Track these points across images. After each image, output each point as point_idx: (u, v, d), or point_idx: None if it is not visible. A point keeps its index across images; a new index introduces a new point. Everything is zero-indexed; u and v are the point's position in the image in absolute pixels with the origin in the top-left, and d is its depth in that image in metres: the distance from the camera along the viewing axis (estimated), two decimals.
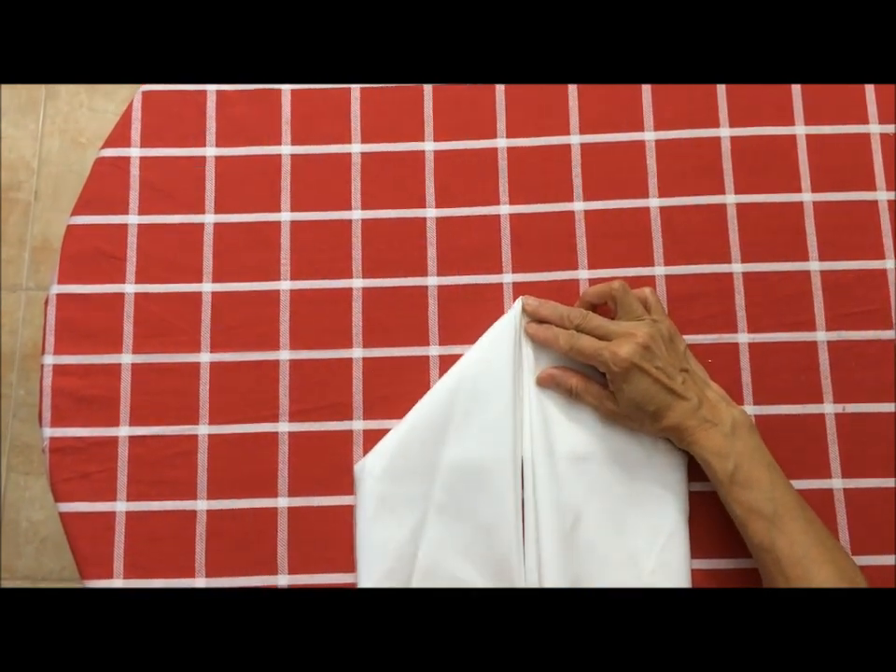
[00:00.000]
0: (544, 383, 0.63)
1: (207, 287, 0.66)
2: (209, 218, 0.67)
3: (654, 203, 0.68)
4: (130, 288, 0.66)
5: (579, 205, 0.68)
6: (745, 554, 0.60)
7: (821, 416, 0.64)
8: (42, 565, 1.29)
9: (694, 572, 0.61)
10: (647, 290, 0.63)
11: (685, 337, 0.64)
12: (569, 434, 0.63)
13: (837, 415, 0.64)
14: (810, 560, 0.54)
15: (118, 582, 0.62)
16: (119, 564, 0.62)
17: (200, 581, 0.62)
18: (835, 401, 0.64)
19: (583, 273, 0.67)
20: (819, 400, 0.64)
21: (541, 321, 0.64)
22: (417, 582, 0.61)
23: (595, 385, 0.62)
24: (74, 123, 1.43)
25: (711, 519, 0.62)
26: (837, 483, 0.63)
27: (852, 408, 0.64)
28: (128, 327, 0.66)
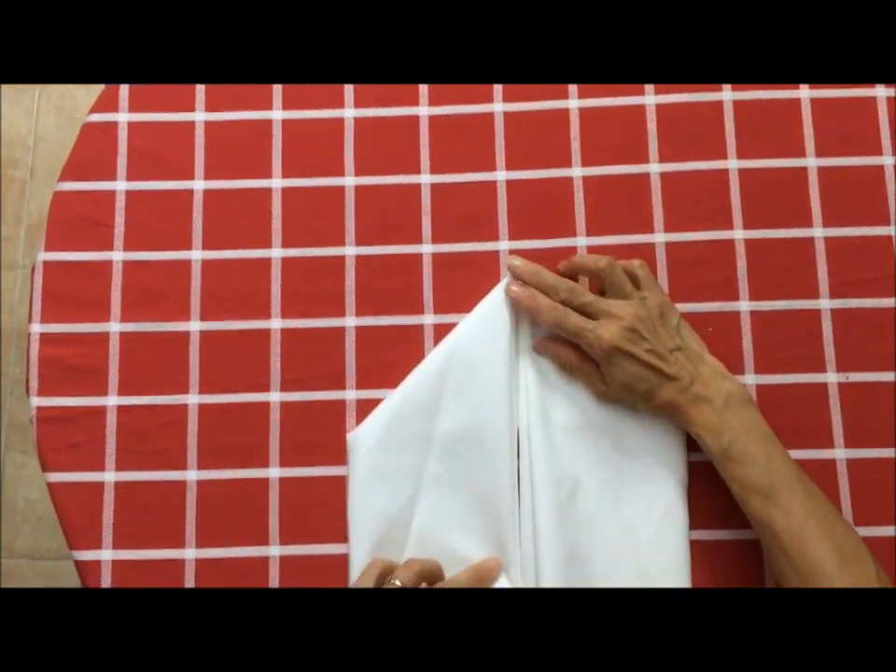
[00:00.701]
0: (540, 349, 0.62)
1: (197, 254, 0.65)
2: (199, 185, 0.66)
3: (655, 168, 0.66)
4: (118, 256, 0.65)
5: (577, 171, 0.66)
6: (744, 525, 0.59)
7: (824, 385, 0.63)
8: (40, 543, 1.29)
9: (693, 543, 0.60)
10: (636, 263, 0.61)
11: (685, 305, 0.63)
12: (567, 404, 0.62)
13: (840, 384, 0.62)
14: (807, 533, 0.53)
15: (106, 553, 0.61)
16: (108, 534, 0.61)
17: (190, 552, 0.61)
18: (838, 370, 0.63)
19: (581, 241, 0.65)
20: (822, 370, 0.63)
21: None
22: (410, 553, 0.60)
23: (588, 363, 0.60)
24: (69, 100, 1.41)
25: (710, 490, 0.61)
26: (840, 453, 0.62)
27: (855, 377, 0.63)
28: (116, 295, 0.65)
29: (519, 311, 0.62)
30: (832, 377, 0.63)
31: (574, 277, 0.63)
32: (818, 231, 0.65)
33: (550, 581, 0.58)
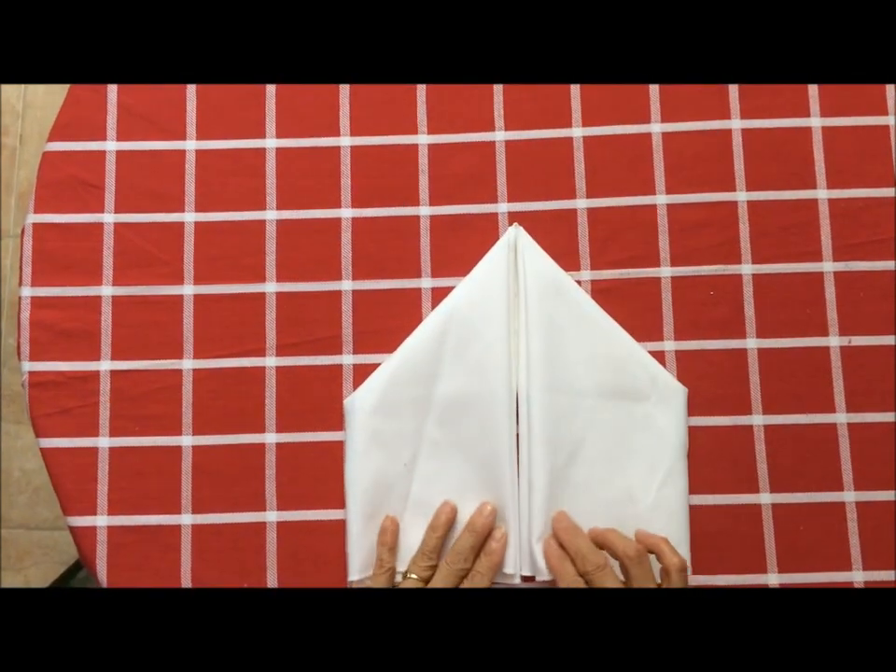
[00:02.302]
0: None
1: (190, 216, 0.64)
2: (191, 145, 0.65)
3: (656, 128, 0.65)
4: (109, 218, 0.64)
5: (577, 131, 0.65)
6: (745, 490, 0.59)
7: (826, 350, 0.62)
8: (36, 514, 1.28)
9: (693, 508, 0.60)
10: (675, 565, 0.53)
11: (686, 268, 0.63)
12: (567, 369, 0.61)
13: (843, 348, 0.62)
14: None
15: (101, 519, 0.60)
16: (102, 500, 0.61)
17: (186, 518, 0.60)
18: (841, 334, 0.62)
19: (581, 203, 0.64)
20: (825, 333, 0.62)
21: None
22: (409, 518, 0.59)
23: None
24: None
25: (710, 454, 0.60)
26: (842, 417, 0.61)
27: (858, 340, 0.62)
28: (108, 258, 0.63)
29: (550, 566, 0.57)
30: (834, 341, 0.62)
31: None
32: (821, 193, 0.64)
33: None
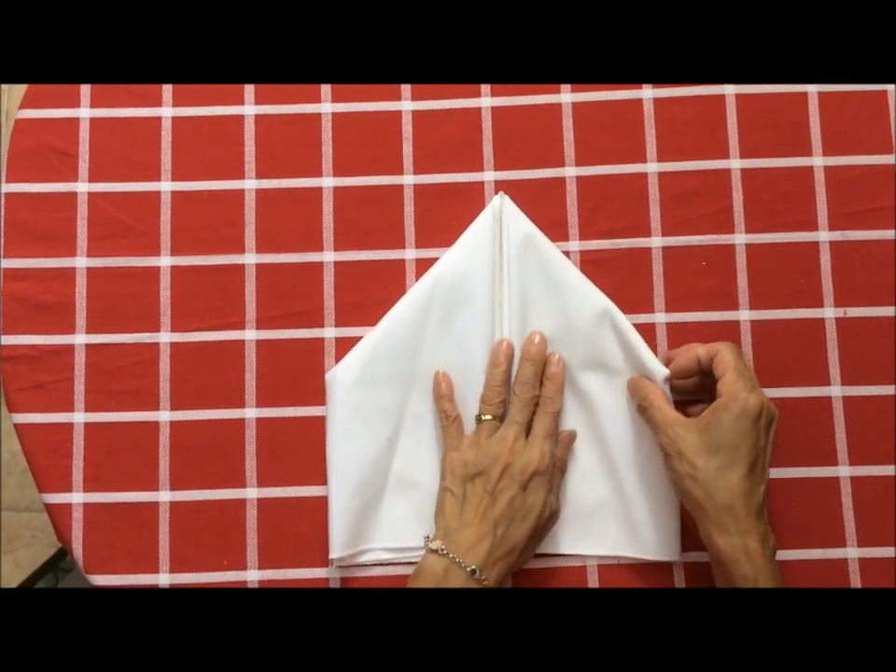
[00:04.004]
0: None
1: (166, 185, 0.62)
2: (167, 111, 0.63)
3: (648, 93, 0.63)
4: (83, 187, 0.62)
5: (566, 97, 0.63)
6: None
7: (821, 321, 0.60)
8: (25, 496, 1.27)
9: None
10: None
11: (677, 238, 0.61)
12: (551, 343, 0.59)
13: (838, 319, 0.60)
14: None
15: (77, 496, 0.59)
16: (78, 476, 0.59)
17: (164, 495, 0.59)
18: (836, 305, 0.60)
19: (570, 171, 0.62)
20: (820, 304, 0.60)
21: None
22: (390, 494, 0.58)
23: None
24: None
25: None
26: (836, 390, 0.59)
27: (854, 312, 0.60)
28: (82, 228, 0.61)
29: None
30: (829, 312, 0.60)
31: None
32: (817, 160, 0.62)
33: None
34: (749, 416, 0.51)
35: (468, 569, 0.51)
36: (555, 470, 0.56)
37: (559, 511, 0.56)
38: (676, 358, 0.57)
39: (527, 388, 0.56)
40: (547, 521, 0.55)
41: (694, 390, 0.57)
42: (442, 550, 0.52)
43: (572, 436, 0.58)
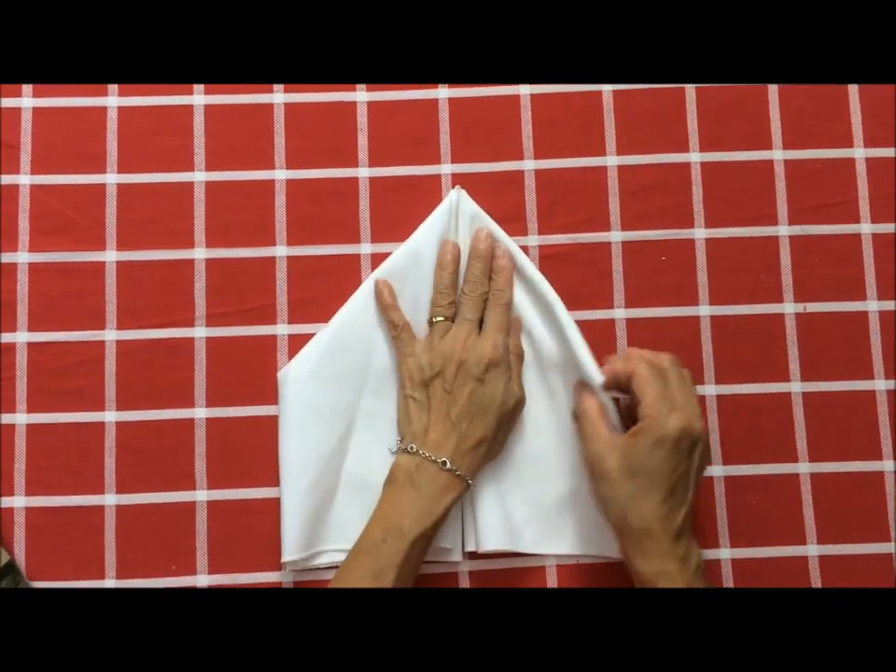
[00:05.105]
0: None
1: (112, 177, 0.60)
2: (112, 101, 0.61)
3: (607, 86, 0.62)
4: (25, 180, 0.60)
5: (524, 88, 0.62)
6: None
7: (781, 316, 0.60)
8: None
9: None
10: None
11: (637, 233, 0.60)
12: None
13: (798, 315, 0.60)
14: None
15: (19, 500, 0.57)
16: (20, 479, 0.57)
17: (110, 498, 0.57)
18: (796, 300, 0.60)
19: (529, 164, 0.61)
20: (780, 300, 0.60)
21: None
22: (343, 494, 0.57)
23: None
24: None
25: None
26: (796, 386, 0.59)
27: (813, 307, 0.60)
28: (24, 222, 0.59)
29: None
30: (789, 307, 0.60)
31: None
32: (777, 154, 0.61)
33: (488, 517, 0.56)
34: (668, 441, 0.49)
35: (438, 461, 0.52)
36: (514, 359, 0.56)
37: (524, 398, 0.56)
38: (604, 371, 0.54)
39: (476, 286, 0.56)
40: (513, 409, 0.55)
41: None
42: (412, 448, 0.53)
43: (519, 322, 0.58)
